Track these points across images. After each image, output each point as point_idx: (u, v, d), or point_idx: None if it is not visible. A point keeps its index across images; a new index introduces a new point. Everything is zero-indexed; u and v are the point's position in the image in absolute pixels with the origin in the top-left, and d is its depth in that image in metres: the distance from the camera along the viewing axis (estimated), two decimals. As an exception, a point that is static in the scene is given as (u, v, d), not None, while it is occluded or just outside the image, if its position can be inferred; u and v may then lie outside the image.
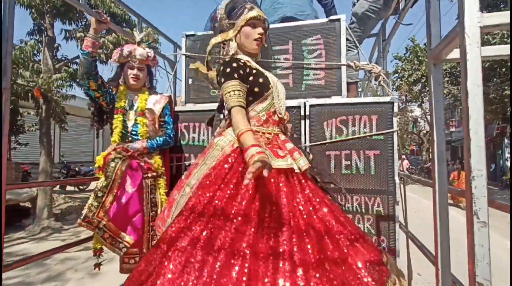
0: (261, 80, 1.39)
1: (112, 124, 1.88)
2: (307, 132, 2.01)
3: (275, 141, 1.42)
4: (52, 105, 6.22)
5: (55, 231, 6.00)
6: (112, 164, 1.63)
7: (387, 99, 1.95)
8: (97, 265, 1.73)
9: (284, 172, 1.29)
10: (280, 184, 1.24)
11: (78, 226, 2.14)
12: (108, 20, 1.82)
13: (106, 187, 1.58)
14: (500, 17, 0.62)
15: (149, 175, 1.82)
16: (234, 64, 1.34)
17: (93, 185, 8.64)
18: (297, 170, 1.35)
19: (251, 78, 1.38)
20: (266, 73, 1.46)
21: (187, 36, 2.38)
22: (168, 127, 1.98)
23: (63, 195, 8.67)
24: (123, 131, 1.88)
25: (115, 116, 1.87)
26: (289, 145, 1.44)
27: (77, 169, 10.48)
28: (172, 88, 2.65)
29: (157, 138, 1.90)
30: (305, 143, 2.00)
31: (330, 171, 1.94)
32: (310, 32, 2.15)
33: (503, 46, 0.78)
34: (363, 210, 1.91)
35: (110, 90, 1.89)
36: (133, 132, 1.89)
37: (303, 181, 1.35)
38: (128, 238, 1.60)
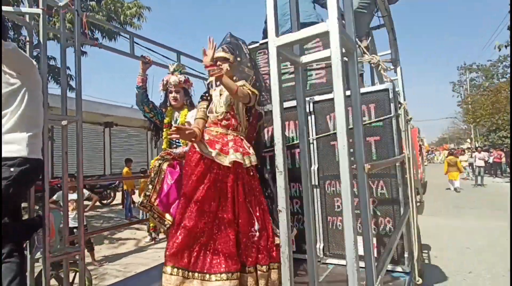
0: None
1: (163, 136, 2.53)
2: (313, 127, 2.26)
3: (221, 139, 1.95)
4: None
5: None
6: (156, 163, 2.24)
7: (383, 86, 2.05)
8: (153, 238, 2.36)
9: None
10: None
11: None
12: (151, 60, 2.50)
13: (153, 181, 2.20)
14: None
15: None
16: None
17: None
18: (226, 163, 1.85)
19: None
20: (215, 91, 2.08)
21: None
22: None
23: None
24: (170, 140, 2.50)
25: (164, 130, 2.51)
26: (231, 144, 1.92)
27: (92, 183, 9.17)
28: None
29: None
30: (312, 136, 2.26)
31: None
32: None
33: None
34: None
35: (160, 111, 2.54)
36: (177, 141, 2.49)
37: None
38: (170, 218, 2.16)
